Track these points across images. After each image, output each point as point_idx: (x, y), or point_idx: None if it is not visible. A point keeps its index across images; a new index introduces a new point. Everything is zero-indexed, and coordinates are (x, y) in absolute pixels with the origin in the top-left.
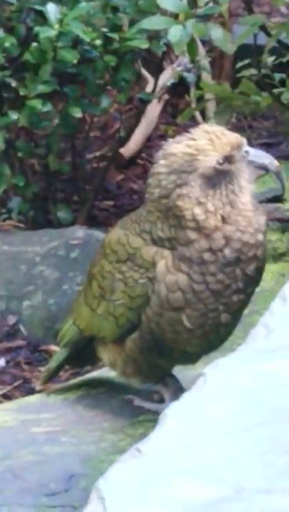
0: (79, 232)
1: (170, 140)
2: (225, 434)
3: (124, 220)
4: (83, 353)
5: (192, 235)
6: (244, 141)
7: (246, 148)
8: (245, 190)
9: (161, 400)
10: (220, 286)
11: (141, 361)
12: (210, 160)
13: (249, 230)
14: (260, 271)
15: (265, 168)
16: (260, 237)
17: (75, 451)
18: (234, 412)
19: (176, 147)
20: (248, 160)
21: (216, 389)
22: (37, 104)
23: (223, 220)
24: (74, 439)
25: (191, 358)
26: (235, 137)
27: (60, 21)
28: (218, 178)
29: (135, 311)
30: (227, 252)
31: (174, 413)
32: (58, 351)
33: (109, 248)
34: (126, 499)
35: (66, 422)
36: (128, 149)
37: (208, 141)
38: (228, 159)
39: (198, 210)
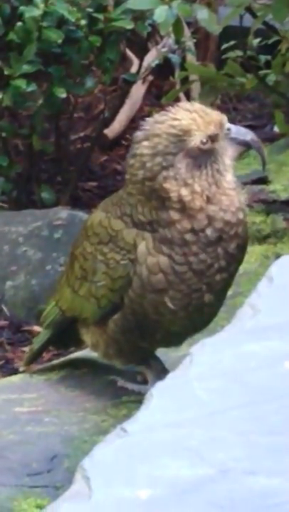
0: (62, 212)
1: (150, 120)
2: (211, 413)
3: (106, 203)
4: (67, 334)
5: (175, 215)
6: (225, 118)
7: (228, 125)
8: (229, 168)
9: (145, 381)
10: (202, 266)
11: (123, 343)
12: (195, 140)
13: (231, 208)
14: (241, 249)
15: (247, 145)
16: (241, 215)
17: (57, 431)
18: (220, 392)
19: (160, 128)
20: (230, 137)
21: (202, 369)
22: (21, 83)
23: (208, 200)
24: (56, 420)
25: (175, 340)
26: (216, 115)
27: (45, 1)
28: (203, 157)
29: (117, 293)
30: (209, 231)
31: (160, 392)
32: (41, 332)
33: (91, 230)
34: (111, 479)
35: (49, 402)
36: (112, 130)
37: (192, 120)
38: (212, 138)
39: (184, 192)
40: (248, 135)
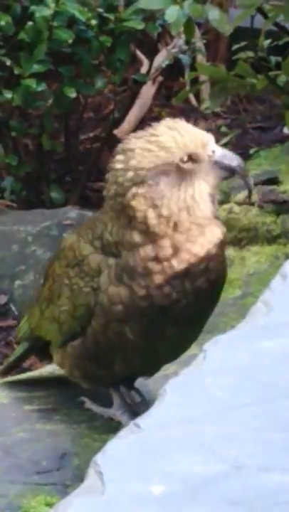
0: (71, 212)
1: (131, 135)
2: (224, 410)
3: (81, 226)
4: (43, 348)
5: (138, 238)
6: (211, 139)
7: (213, 147)
8: (205, 196)
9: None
10: (166, 301)
11: (84, 368)
12: (172, 157)
13: (200, 240)
14: (215, 285)
15: (231, 171)
16: (213, 250)
17: (67, 429)
18: (234, 389)
19: (135, 142)
20: (214, 160)
21: (216, 365)
22: (31, 83)
23: (175, 227)
24: (66, 418)
25: (139, 370)
26: (201, 135)
27: (56, 0)
28: (178, 178)
29: (77, 321)
30: (175, 262)
31: (173, 389)
32: (20, 344)
33: (63, 253)
34: (124, 474)
35: (58, 400)
36: (122, 131)
37: (171, 137)
38: (193, 158)
39: (151, 214)
40: (234, 161)
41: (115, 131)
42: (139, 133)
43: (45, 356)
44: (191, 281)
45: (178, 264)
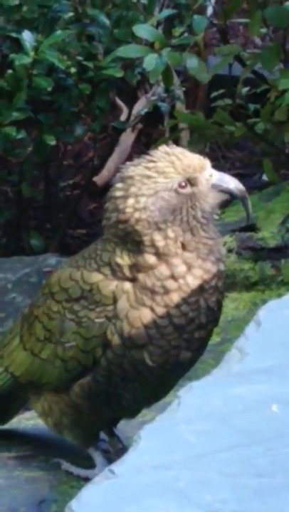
0: (51, 259)
1: (128, 163)
2: (198, 455)
3: (73, 259)
4: None
5: (151, 259)
6: (207, 163)
7: (210, 171)
8: (208, 215)
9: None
10: (183, 320)
11: (83, 410)
12: (171, 182)
13: (210, 258)
14: (220, 305)
15: (229, 193)
16: (221, 266)
17: (45, 476)
18: (207, 435)
19: (134, 170)
20: (212, 184)
21: (190, 411)
22: (11, 131)
23: (183, 247)
24: (44, 464)
25: (136, 407)
26: (197, 159)
27: (36, 49)
28: (179, 201)
29: (89, 354)
30: (190, 279)
31: (148, 435)
32: None
33: (58, 286)
34: None
35: (36, 447)
36: (101, 178)
37: (169, 162)
38: (191, 182)
39: (157, 236)
40: (231, 183)
41: (95, 179)
42: (137, 160)
43: None
44: (205, 299)
45: (193, 280)
